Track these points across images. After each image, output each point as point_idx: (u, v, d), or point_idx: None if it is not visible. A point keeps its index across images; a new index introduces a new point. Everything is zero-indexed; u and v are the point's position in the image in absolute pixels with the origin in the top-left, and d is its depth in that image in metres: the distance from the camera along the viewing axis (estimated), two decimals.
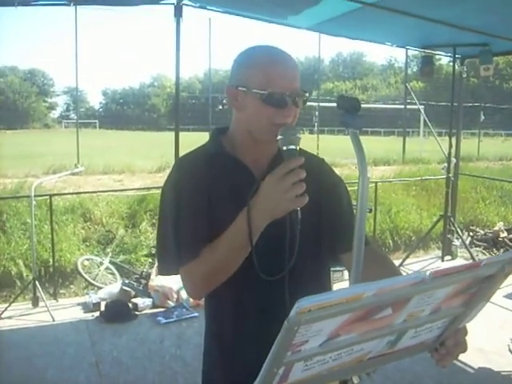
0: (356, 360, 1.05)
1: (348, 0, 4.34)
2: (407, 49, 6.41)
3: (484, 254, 9.95)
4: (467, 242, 10.43)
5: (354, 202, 1.58)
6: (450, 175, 6.54)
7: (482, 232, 10.74)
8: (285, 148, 1.32)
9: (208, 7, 5.14)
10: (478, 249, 10.18)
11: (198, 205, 1.48)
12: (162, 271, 1.59)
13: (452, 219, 6.47)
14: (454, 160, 6.52)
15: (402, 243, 9.35)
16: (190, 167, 1.55)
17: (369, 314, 0.90)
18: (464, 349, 1.21)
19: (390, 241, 9.83)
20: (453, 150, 6.58)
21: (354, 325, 0.91)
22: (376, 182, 7.15)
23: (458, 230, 6.48)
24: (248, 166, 1.52)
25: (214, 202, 1.49)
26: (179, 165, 1.60)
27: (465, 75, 6.66)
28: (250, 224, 1.34)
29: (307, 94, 1.47)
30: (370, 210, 3.80)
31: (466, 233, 10.80)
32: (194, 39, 36.79)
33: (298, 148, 1.34)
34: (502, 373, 3.81)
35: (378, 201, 10.57)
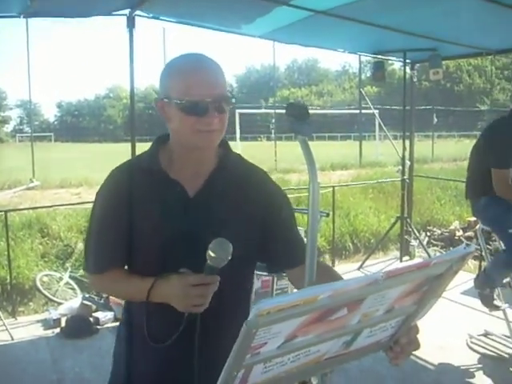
0: (313, 361, 1.07)
1: (299, 8, 4.40)
2: (359, 55, 6.53)
3: (441, 252, 10.17)
4: (424, 242, 10.61)
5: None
6: (405, 177, 6.67)
7: (439, 231, 10.97)
8: (209, 262, 1.36)
9: (161, 17, 5.13)
10: (435, 248, 10.38)
11: (116, 221, 1.50)
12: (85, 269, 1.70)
13: (408, 220, 6.60)
14: (408, 162, 6.66)
15: (361, 246, 9.48)
16: (120, 180, 1.55)
17: (325, 315, 0.93)
18: (417, 346, 1.24)
19: (350, 244, 9.95)
20: (407, 153, 6.69)
21: (310, 326, 0.93)
22: (333, 187, 7.23)
23: (415, 230, 6.61)
24: (181, 183, 1.51)
25: (141, 217, 1.49)
26: (111, 176, 1.58)
27: (415, 79, 6.81)
28: (149, 297, 1.45)
29: (233, 100, 1.48)
30: (328, 215, 3.87)
31: (424, 233, 11.01)
32: (150, 49, 36.56)
33: (220, 267, 1.36)
34: (462, 367, 3.89)
35: (336, 205, 10.69)
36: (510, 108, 3.91)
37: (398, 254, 7.05)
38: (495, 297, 3.94)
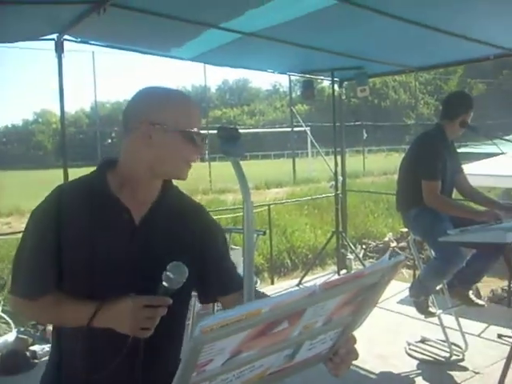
0: (258, 376, 1.09)
1: (228, 31, 4.48)
2: (289, 75, 6.67)
3: None
4: (360, 255, 10.89)
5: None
6: (338, 192, 6.83)
7: (374, 244, 11.25)
8: (164, 283, 1.38)
9: (90, 42, 5.10)
10: (371, 260, 10.63)
11: (53, 243, 1.45)
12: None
13: (343, 234, 6.74)
14: (340, 178, 6.83)
15: (299, 262, 9.62)
16: (64, 200, 1.51)
17: (267, 329, 0.95)
18: (355, 356, 1.29)
19: (288, 261, 10.06)
20: (339, 168, 6.86)
21: (254, 341, 0.96)
22: (269, 205, 7.30)
23: (350, 244, 6.75)
24: (130, 208, 1.51)
25: (85, 241, 1.45)
26: (54, 194, 1.53)
27: (344, 97, 7.03)
28: (91, 321, 1.41)
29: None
30: (264, 233, 3.92)
31: (359, 246, 11.27)
32: (79, 73, 35.99)
33: (174, 289, 1.39)
34: (402, 374, 3.99)
35: (272, 223, 10.79)
36: (435, 122, 4.10)
37: (335, 268, 7.18)
38: (430, 304, 4.07)
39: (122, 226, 1.49)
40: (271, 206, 9.23)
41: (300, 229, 10.76)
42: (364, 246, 11.23)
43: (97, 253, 1.45)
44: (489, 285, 6.57)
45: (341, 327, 1.18)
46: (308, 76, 6.55)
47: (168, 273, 1.37)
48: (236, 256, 5.43)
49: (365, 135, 22.25)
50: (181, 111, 1.49)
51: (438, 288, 4.41)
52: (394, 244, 10.53)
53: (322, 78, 6.99)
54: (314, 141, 10.41)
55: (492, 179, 7.44)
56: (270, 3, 3.82)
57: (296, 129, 22.54)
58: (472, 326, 4.73)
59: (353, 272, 1.09)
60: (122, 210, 1.50)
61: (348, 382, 3.84)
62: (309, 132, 18.59)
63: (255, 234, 3.62)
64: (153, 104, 1.50)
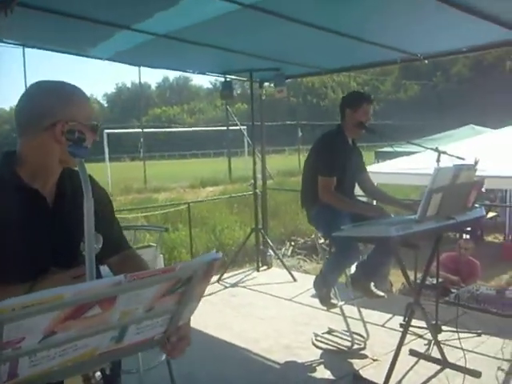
0: (86, 355, 1.20)
1: (140, 32, 4.54)
2: (208, 75, 6.77)
3: (305, 260, 10.68)
4: (289, 252, 11.16)
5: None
6: (257, 190, 7.00)
7: (303, 240, 11.53)
8: (84, 253, 1.47)
9: (5, 40, 5.05)
10: (299, 256, 10.90)
11: None
12: None
13: (263, 231, 6.90)
14: (259, 176, 7.01)
15: (228, 259, 9.75)
16: None
17: (79, 313, 1.07)
18: (187, 343, 1.44)
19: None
20: (259, 167, 7.02)
21: (67, 323, 1.07)
22: (188, 203, 7.40)
23: (269, 241, 6.90)
24: (45, 196, 1.63)
25: (7, 231, 1.52)
26: None
27: (264, 97, 7.18)
28: None
29: None
30: (166, 229, 4.01)
31: (288, 243, 11.52)
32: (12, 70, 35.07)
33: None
34: (305, 364, 4.17)
35: (202, 220, 10.94)
36: (338, 123, 4.30)
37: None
38: (332, 296, 4.27)
39: (40, 213, 1.60)
40: (203, 204, 9.40)
41: (230, 226, 10.91)
42: (293, 243, 11.49)
43: (23, 240, 1.54)
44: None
45: (168, 315, 1.30)
46: (228, 76, 6.66)
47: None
48: (145, 255, 5.53)
49: (299, 134, 22.58)
50: (83, 106, 1.62)
51: (342, 281, 4.63)
52: (321, 241, 10.80)
53: (241, 78, 7.13)
54: (249, 140, 10.52)
55: (409, 177, 7.72)
56: (176, 6, 3.92)
57: (232, 128, 22.63)
58: (378, 316, 4.99)
59: (164, 267, 1.20)
60: (40, 199, 1.61)
61: (252, 372, 4.05)
62: (245, 131, 18.79)
63: (159, 230, 3.72)
64: (61, 103, 1.58)
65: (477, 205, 3.94)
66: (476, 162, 3.64)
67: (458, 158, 3.78)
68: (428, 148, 4.18)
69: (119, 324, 1.19)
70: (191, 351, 4.36)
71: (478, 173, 3.77)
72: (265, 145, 7.61)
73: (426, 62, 5.51)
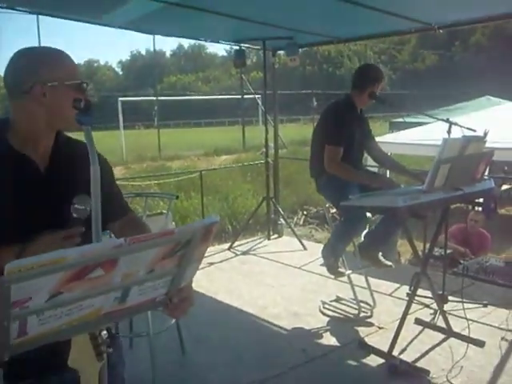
0: (92, 315, 1.26)
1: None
2: (221, 43, 6.76)
3: (317, 229, 10.74)
4: (301, 221, 11.22)
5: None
6: (269, 159, 7.03)
7: (315, 210, 11.57)
8: (74, 215, 1.56)
9: (17, 8, 5.08)
10: (311, 226, 10.97)
11: None
12: None
13: (274, 200, 6.95)
14: (271, 145, 7.03)
15: (240, 228, 9.83)
16: None
17: (82, 274, 1.12)
18: (190, 304, 1.48)
19: (229, 226, 10.26)
20: (271, 136, 7.04)
21: (72, 283, 1.12)
22: (201, 171, 7.45)
23: (280, 210, 6.95)
24: (37, 161, 1.66)
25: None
26: None
27: (277, 65, 7.16)
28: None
29: None
30: (177, 197, 4.04)
31: (300, 212, 11.58)
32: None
33: (83, 218, 1.56)
34: (312, 330, 4.25)
35: (215, 189, 11.00)
36: (346, 93, 4.30)
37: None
38: (339, 264, 4.33)
39: (31, 178, 1.64)
40: (216, 172, 9.44)
41: (243, 195, 10.97)
42: (305, 212, 11.55)
43: (14, 205, 1.58)
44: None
45: (169, 276, 1.35)
46: (241, 45, 6.64)
47: (76, 205, 1.56)
48: (156, 222, 5.62)
49: (314, 103, 22.43)
50: (63, 66, 1.63)
51: (350, 250, 4.69)
52: (333, 210, 10.83)
53: (253, 47, 7.10)
54: (263, 108, 10.49)
55: (421, 148, 7.71)
56: None
57: (247, 96, 22.51)
58: (385, 285, 5.05)
59: (162, 230, 1.25)
60: (30, 164, 1.64)
61: (260, 337, 4.15)
62: (259, 100, 18.67)
63: (170, 198, 3.77)
64: (40, 65, 1.61)
65: (486, 177, 3.95)
66: (485, 134, 3.64)
67: (468, 129, 3.77)
68: (439, 119, 4.17)
69: (121, 285, 1.24)
70: (201, 315, 4.48)
71: (488, 144, 3.77)
72: (277, 113, 7.59)
73: (441, 31, 5.44)
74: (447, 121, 3.82)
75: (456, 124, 3.80)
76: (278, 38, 6.19)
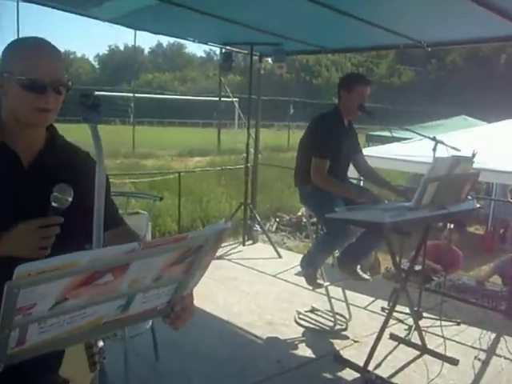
0: (92, 324, 1.20)
1: None
2: (208, 44, 6.71)
3: (289, 237, 10.73)
4: (273, 228, 11.18)
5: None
6: (249, 165, 6.98)
7: (288, 217, 11.55)
8: (53, 204, 1.48)
9: None
10: (283, 233, 10.94)
11: None
12: None
13: (251, 206, 6.90)
14: (252, 150, 6.98)
15: None
16: None
17: (91, 279, 1.06)
18: (191, 313, 1.44)
19: (201, 228, 10.19)
20: (252, 141, 7.00)
21: (79, 290, 1.07)
22: (179, 173, 7.36)
23: (257, 216, 6.91)
24: (18, 153, 1.58)
25: None
26: None
27: (262, 71, 7.14)
28: None
29: (70, 83, 1.59)
30: (161, 199, 3.96)
31: (273, 219, 11.55)
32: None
33: (63, 207, 1.48)
34: (287, 341, 4.22)
35: (189, 190, 10.90)
36: (334, 104, 4.28)
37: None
38: (318, 276, 4.30)
39: (11, 169, 1.56)
40: (190, 174, 9.33)
41: (216, 198, 10.90)
42: (278, 219, 11.52)
43: None
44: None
45: (174, 284, 1.30)
46: (228, 48, 6.60)
47: (55, 193, 1.47)
48: (137, 220, 5.51)
49: (291, 110, 22.48)
50: (26, 60, 1.52)
51: (329, 262, 4.67)
52: (313, 219, 10.85)
53: (241, 51, 7.06)
54: (240, 112, 10.42)
55: (400, 163, 7.72)
56: None
57: (224, 99, 22.43)
58: (360, 299, 5.05)
59: (175, 235, 1.20)
60: (9, 153, 1.56)
61: (234, 345, 4.09)
62: (236, 103, 18.58)
63: (152, 198, 3.69)
64: (4, 55, 1.56)
65: (470, 197, 3.97)
66: (474, 155, 3.66)
67: (454, 148, 3.79)
68: (426, 136, 4.18)
69: (127, 292, 1.19)
70: None
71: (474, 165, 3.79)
72: (260, 119, 7.57)
73: (430, 49, 5.49)
74: (434, 139, 3.83)
75: (442, 143, 3.81)
76: (266, 44, 6.17)
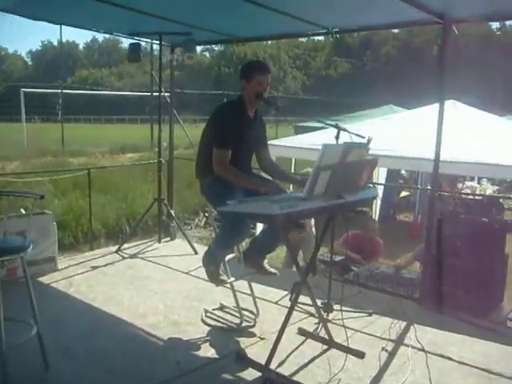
0: None
1: None
2: (114, 35, 6.43)
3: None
4: (202, 223, 11.06)
5: None
6: (161, 159, 6.77)
7: (216, 212, 11.43)
8: None
9: None
10: (211, 228, 10.82)
11: None
12: None
13: (166, 202, 6.67)
14: (164, 144, 6.78)
15: (139, 229, 9.51)
16: None
17: None
18: None
19: (127, 227, 9.95)
20: (166, 135, 6.80)
21: None
22: (89, 169, 7.06)
23: (171, 212, 6.68)
24: None
25: None
26: None
27: (175, 63, 6.91)
28: None
29: None
30: (42, 197, 3.65)
31: (202, 214, 11.43)
32: None
33: None
34: (191, 341, 4.01)
35: (113, 187, 10.65)
36: (238, 94, 4.12)
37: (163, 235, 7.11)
38: (221, 272, 4.14)
39: None
40: (116, 170, 9.05)
41: (142, 195, 10.65)
42: (207, 214, 11.38)
43: None
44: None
45: None
46: (137, 38, 6.34)
47: None
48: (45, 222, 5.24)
49: None
50: None
51: (234, 256, 4.52)
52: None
53: (149, 41, 6.81)
54: (173, 107, 10.20)
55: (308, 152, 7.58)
56: None
57: (156, 93, 22.02)
58: (273, 293, 4.92)
59: None
60: None
61: (131, 348, 3.88)
62: (168, 99, 18.29)
63: (33, 197, 3.43)
64: None
65: (370, 185, 3.89)
66: (369, 141, 3.57)
67: (357, 135, 3.69)
68: (328, 124, 4.08)
69: None
70: (71, 326, 4.16)
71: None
72: (173, 113, 7.46)
73: (338, 36, 5.43)
74: (336, 126, 3.74)
75: (345, 130, 3.72)
76: (175, 34, 5.96)
